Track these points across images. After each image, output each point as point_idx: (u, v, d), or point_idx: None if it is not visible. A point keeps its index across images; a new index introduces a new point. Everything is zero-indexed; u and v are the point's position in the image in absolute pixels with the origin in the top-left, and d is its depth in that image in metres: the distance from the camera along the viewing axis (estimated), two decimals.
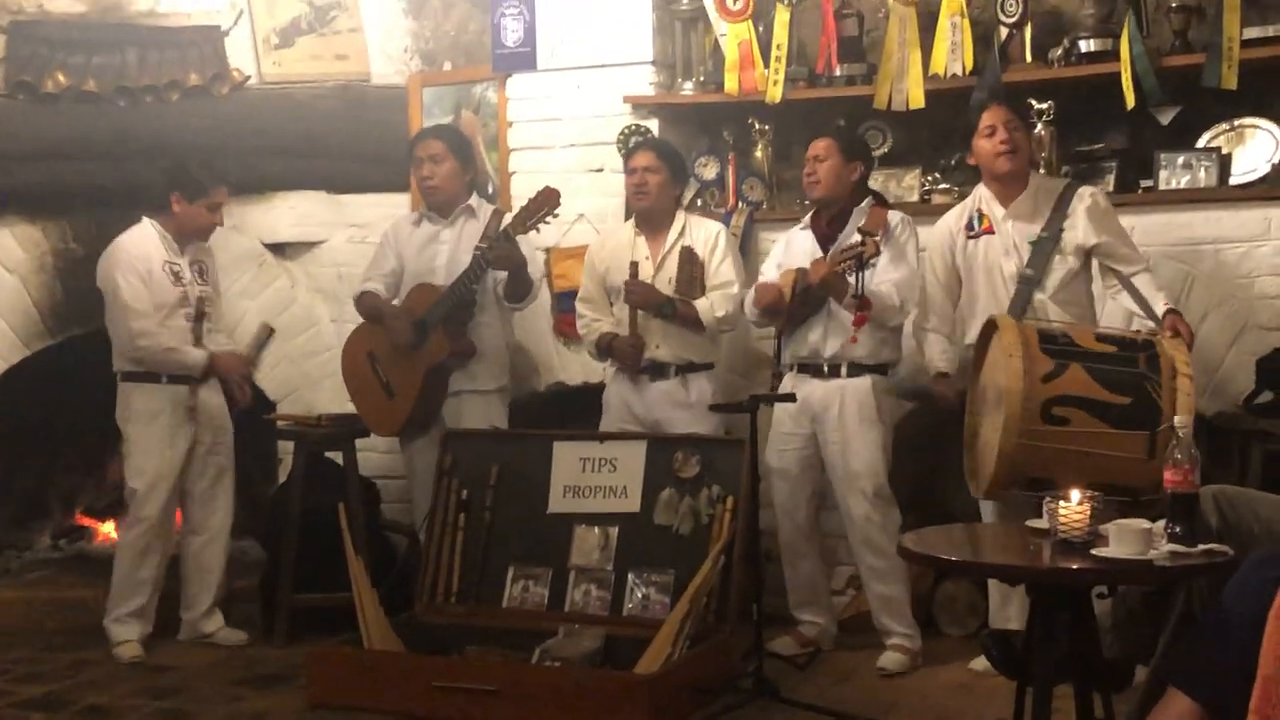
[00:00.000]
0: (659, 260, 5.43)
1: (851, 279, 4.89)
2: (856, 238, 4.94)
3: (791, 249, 5.33)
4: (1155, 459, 4.13)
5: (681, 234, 5.46)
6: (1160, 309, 4.70)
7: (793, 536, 5.31)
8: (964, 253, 5.06)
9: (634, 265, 5.39)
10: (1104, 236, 4.84)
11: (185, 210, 5.55)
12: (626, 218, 5.70)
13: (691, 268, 5.40)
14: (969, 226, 5.05)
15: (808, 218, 5.37)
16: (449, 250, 5.66)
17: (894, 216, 5.16)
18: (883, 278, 5.03)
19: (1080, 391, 4.27)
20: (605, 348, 5.48)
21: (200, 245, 5.70)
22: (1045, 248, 4.87)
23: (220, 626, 5.68)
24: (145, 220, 5.57)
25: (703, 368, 5.46)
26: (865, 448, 5.13)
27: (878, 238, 4.91)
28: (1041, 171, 5.24)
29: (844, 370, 5.15)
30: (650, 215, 5.46)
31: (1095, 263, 4.92)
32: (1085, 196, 4.90)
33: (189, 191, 5.54)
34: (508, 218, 5.44)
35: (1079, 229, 4.86)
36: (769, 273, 5.34)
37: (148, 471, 5.53)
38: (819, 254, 5.17)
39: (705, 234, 5.46)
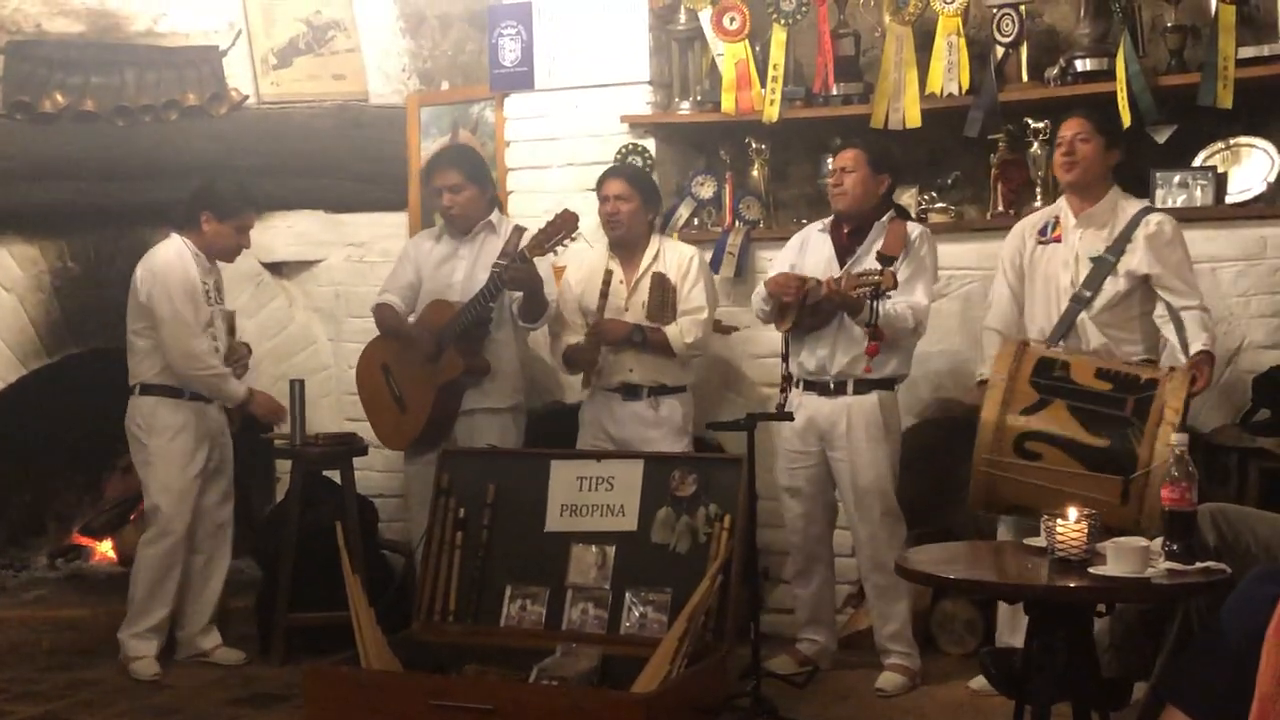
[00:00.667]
0: (632, 284, 5.44)
1: (867, 306, 4.88)
2: (876, 265, 4.93)
3: (808, 252, 5.30)
4: (1129, 505, 4.14)
5: (656, 258, 5.47)
6: (1193, 349, 4.66)
7: (807, 554, 5.30)
8: (1031, 257, 5.04)
9: (608, 273, 5.38)
10: (1158, 267, 4.79)
11: (215, 230, 5.56)
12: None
13: (664, 293, 5.42)
14: (1042, 231, 5.04)
15: (827, 221, 5.35)
16: (466, 266, 5.65)
17: (913, 230, 5.16)
18: (898, 297, 5.01)
19: (1057, 430, 4.30)
20: (569, 358, 5.51)
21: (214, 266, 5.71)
22: (1103, 268, 4.85)
23: (218, 644, 5.67)
24: (176, 237, 5.56)
25: (675, 390, 5.47)
26: (873, 465, 5.13)
27: (895, 269, 4.91)
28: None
29: (850, 387, 5.15)
30: (623, 242, 5.47)
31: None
32: (1150, 223, 4.85)
33: (221, 211, 5.55)
34: (527, 236, 5.44)
35: (1137, 254, 4.82)
36: (781, 269, 5.32)
37: (173, 488, 5.53)
38: (835, 264, 5.18)
39: (678, 258, 5.47)
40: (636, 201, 5.44)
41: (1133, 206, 4.94)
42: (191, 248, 5.55)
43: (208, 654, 5.63)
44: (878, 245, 5.07)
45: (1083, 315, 4.85)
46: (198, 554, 5.67)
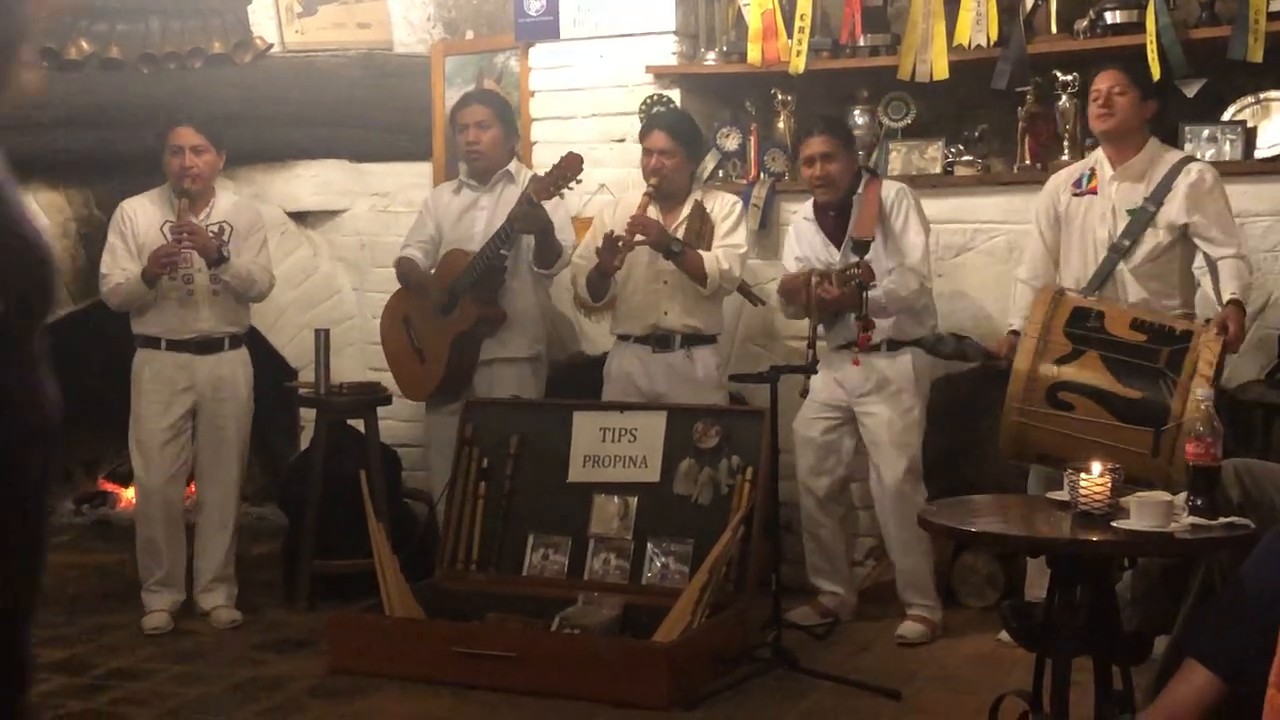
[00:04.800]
0: (672, 229, 5.40)
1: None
2: (853, 258, 4.92)
3: (803, 241, 5.31)
4: (1159, 457, 4.13)
5: (696, 207, 5.44)
6: (1225, 297, 4.63)
7: (812, 506, 5.31)
8: (1066, 209, 5.02)
9: (646, 195, 5.31)
10: (1196, 215, 4.76)
11: (164, 163, 5.54)
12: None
13: (702, 223, 5.37)
14: (1077, 184, 5.02)
15: (808, 206, 5.33)
16: (487, 216, 5.64)
17: (888, 191, 5.15)
18: (890, 265, 5.03)
19: (1090, 380, 4.28)
20: (593, 280, 5.41)
21: (237, 208, 5.67)
22: (1141, 219, 4.82)
23: (217, 605, 5.56)
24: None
25: (708, 339, 5.44)
26: (902, 421, 5.13)
27: (869, 259, 4.90)
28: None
29: (884, 347, 5.14)
30: (664, 192, 5.43)
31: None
32: (1192, 172, 4.82)
33: (158, 144, 5.52)
34: (533, 180, 5.42)
35: (1175, 204, 4.79)
36: (789, 265, 5.33)
37: (142, 440, 5.53)
38: (832, 248, 5.20)
39: (721, 203, 5.44)
40: (680, 156, 5.37)
41: (1173, 157, 4.91)
42: (165, 192, 5.57)
43: (206, 613, 5.56)
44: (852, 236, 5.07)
45: (1121, 266, 4.83)
46: (200, 509, 5.65)
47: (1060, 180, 5.09)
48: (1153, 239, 4.82)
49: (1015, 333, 4.96)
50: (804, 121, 5.58)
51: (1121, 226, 4.85)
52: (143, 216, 5.56)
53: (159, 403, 5.51)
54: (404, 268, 5.74)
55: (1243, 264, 4.72)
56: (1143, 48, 5.18)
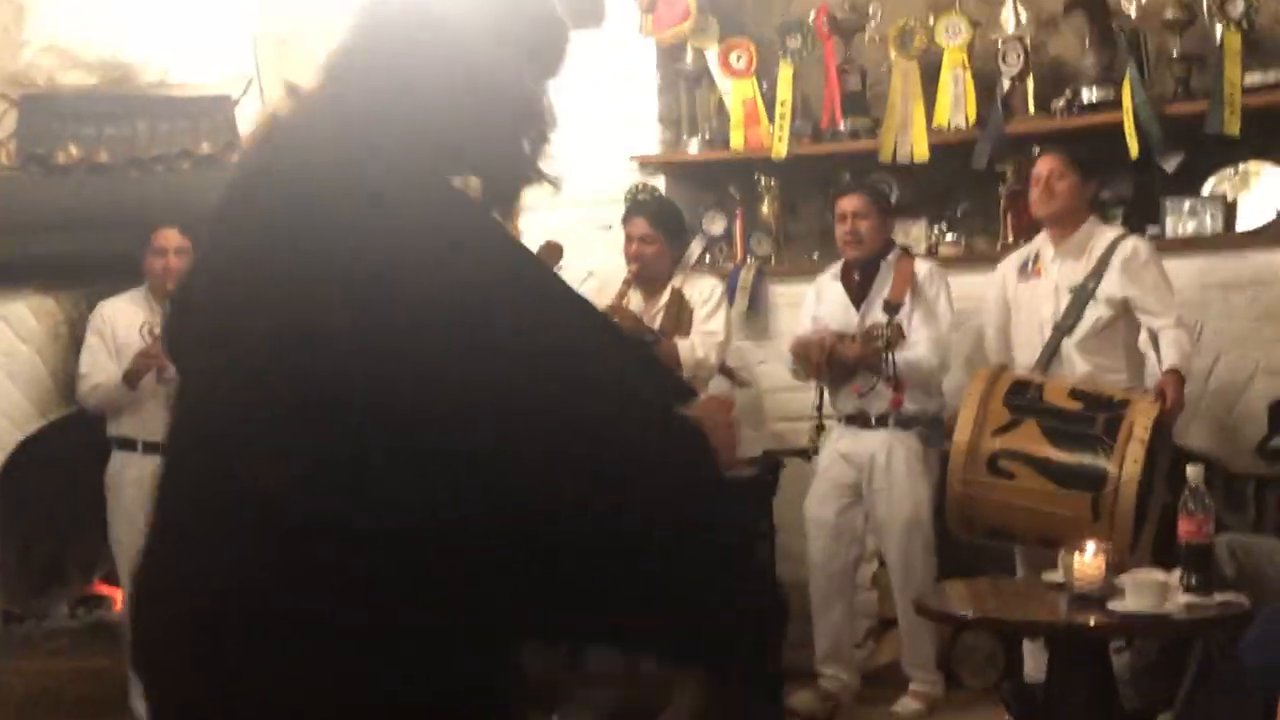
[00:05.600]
0: (651, 315, 5.43)
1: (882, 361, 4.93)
2: (882, 318, 4.97)
3: (824, 301, 5.34)
4: (1100, 522, 4.15)
5: (674, 294, 5.46)
6: (1165, 367, 4.70)
7: (825, 586, 5.28)
8: (1013, 294, 5.10)
9: (624, 290, 5.35)
10: (1134, 289, 4.84)
11: (145, 265, 5.59)
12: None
13: (680, 310, 5.39)
14: (1022, 269, 5.10)
15: (837, 267, 5.38)
16: None
17: (921, 269, 5.19)
18: (916, 336, 5.05)
19: (1028, 448, 4.33)
20: None
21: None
22: (1082, 296, 4.90)
23: None
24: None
25: None
26: (911, 496, 5.14)
27: (900, 317, 4.93)
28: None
29: (891, 421, 5.16)
30: (644, 277, 5.46)
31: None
32: (1127, 247, 4.90)
33: (140, 245, 5.58)
34: None
35: (1113, 278, 4.86)
36: (805, 323, 5.34)
37: (122, 542, 5.54)
38: (852, 310, 5.22)
39: (700, 288, 5.45)
40: (660, 243, 5.41)
41: (1110, 233, 5.01)
42: (143, 294, 5.62)
43: None
44: (887, 289, 5.09)
45: (1066, 342, 4.90)
46: None
47: (1007, 267, 5.19)
48: (1094, 313, 4.88)
49: None
50: (842, 180, 5.62)
51: (1064, 305, 4.92)
52: (122, 318, 5.58)
53: (136, 508, 5.49)
54: None
55: (1182, 333, 4.80)
56: (1120, 124, 5.24)
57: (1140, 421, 4.26)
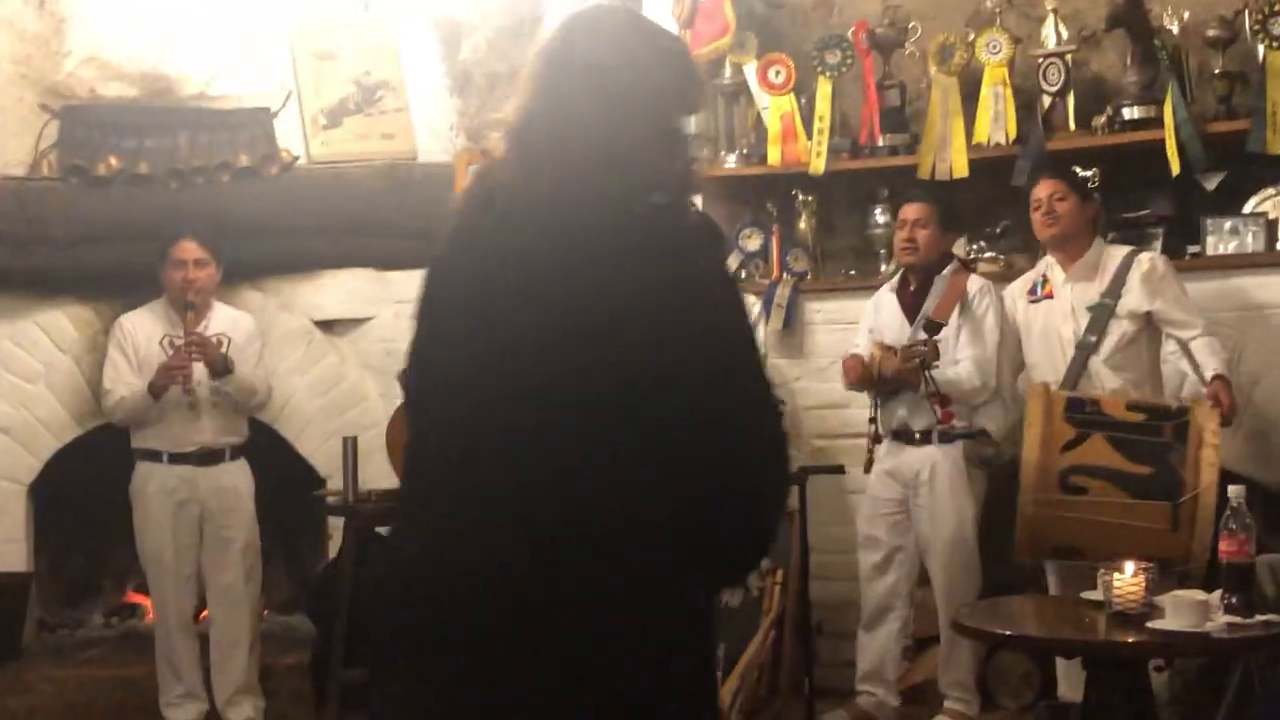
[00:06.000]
0: None
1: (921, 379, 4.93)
2: (921, 335, 4.96)
3: (880, 313, 5.34)
4: (1179, 531, 4.11)
5: None
6: (1209, 374, 4.69)
7: (874, 605, 5.24)
8: (1025, 317, 5.09)
9: None
10: (1158, 302, 4.86)
11: (164, 277, 5.61)
12: None
13: None
14: (1031, 291, 5.12)
15: (896, 279, 5.37)
16: None
17: (973, 285, 5.17)
18: (960, 355, 5.04)
19: (1099, 461, 4.28)
20: None
21: (235, 320, 5.74)
22: (1102, 314, 4.90)
23: (245, 718, 5.57)
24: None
25: None
26: (955, 513, 5.11)
27: (939, 339, 4.93)
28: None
29: (935, 437, 5.14)
30: None
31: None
32: (1144, 262, 4.93)
33: (159, 258, 5.60)
34: None
35: (1134, 294, 4.88)
36: (861, 337, 5.35)
37: (150, 555, 5.57)
38: (904, 323, 5.20)
39: None
40: None
41: (1120, 251, 5.02)
42: (161, 306, 5.65)
43: None
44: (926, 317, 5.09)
45: (1093, 361, 4.89)
46: (213, 621, 5.66)
47: (1014, 291, 5.20)
48: (1118, 330, 4.89)
49: (984, 431, 5.13)
50: (908, 188, 5.58)
51: (1084, 324, 4.91)
52: (142, 331, 5.61)
53: (164, 517, 5.53)
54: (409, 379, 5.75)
55: (1214, 340, 4.83)
56: (1161, 142, 5.21)
57: (1209, 427, 4.25)
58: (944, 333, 5.02)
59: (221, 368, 5.48)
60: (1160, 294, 4.87)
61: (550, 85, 2.12)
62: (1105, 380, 4.85)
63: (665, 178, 2.13)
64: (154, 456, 5.56)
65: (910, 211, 5.24)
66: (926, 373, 4.89)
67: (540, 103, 2.13)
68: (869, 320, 5.36)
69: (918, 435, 5.14)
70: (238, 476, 5.67)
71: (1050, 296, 5.05)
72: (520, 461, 2.04)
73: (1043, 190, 5.01)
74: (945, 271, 5.21)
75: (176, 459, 5.54)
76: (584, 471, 2.01)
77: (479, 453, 2.08)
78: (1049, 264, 5.11)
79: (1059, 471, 4.27)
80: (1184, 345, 4.85)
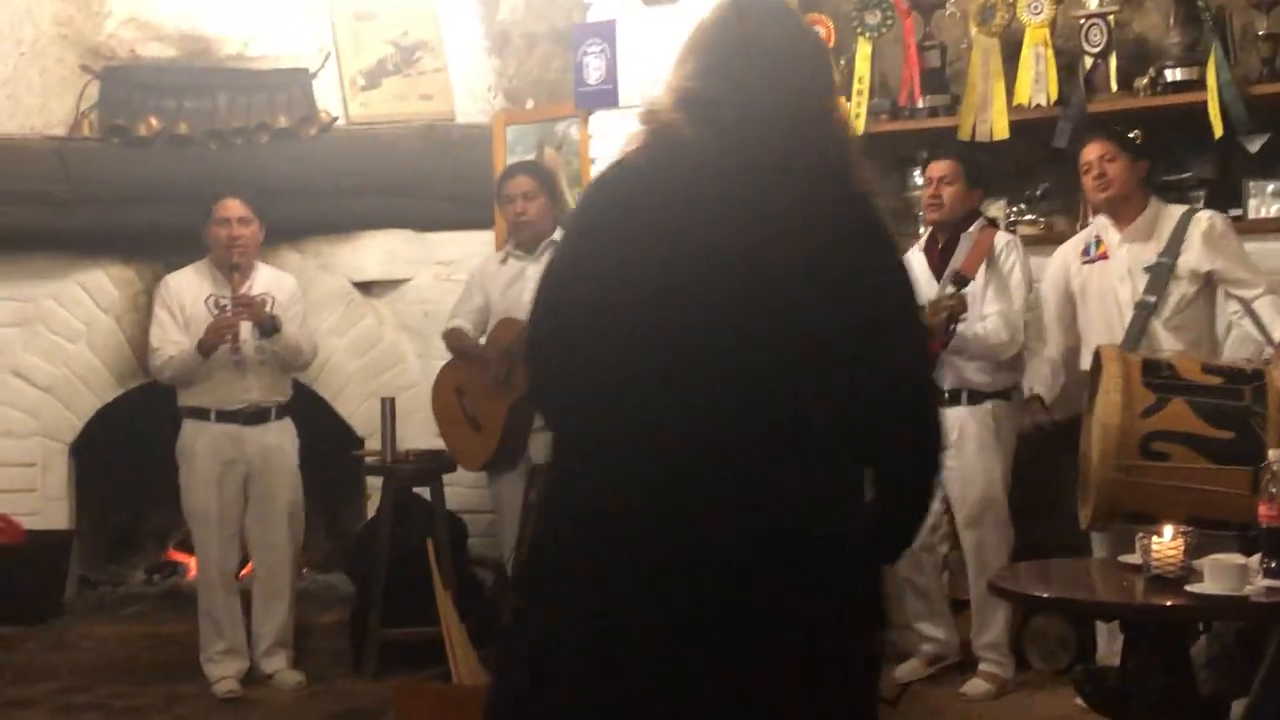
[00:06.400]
0: None
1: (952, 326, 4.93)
2: (950, 289, 4.95)
3: (911, 273, 5.30)
4: (1260, 494, 4.08)
5: None
6: (1276, 335, 4.64)
7: (907, 560, 5.24)
8: (1079, 278, 5.05)
9: None
10: (1219, 261, 4.80)
11: (208, 236, 5.64)
12: None
13: None
14: (1085, 252, 5.06)
15: (924, 238, 5.36)
16: (535, 286, 5.66)
17: (999, 241, 5.16)
18: (987, 309, 5.03)
19: (1181, 427, 4.22)
20: None
21: (278, 280, 5.79)
22: (1161, 274, 4.85)
23: (280, 668, 5.64)
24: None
25: None
26: (984, 473, 5.11)
27: (965, 292, 4.92)
28: None
29: (964, 398, 5.14)
30: None
31: (1221, 289, 4.89)
32: (1202, 221, 4.87)
33: (203, 217, 5.63)
34: None
35: (1193, 253, 4.82)
36: None
37: (196, 512, 5.62)
38: (932, 280, 5.18)
39: None
40: None
41: (1176, 210, 4.95)
42: (206, 266, 5.69)
43: (269, 676, 5.63)
44: (955, 270, 5.07)
45: (1154, 322, 4.84)
46: (256, 576, 5.73)
47: (1067, 252, 5.15)
48: (1178, 290, 4.84)
49: (1038, 399, 5.08)
50: (937, 146, 5.55)
51: (1142, 284, 4.87)
52: (188, 290, 5.65)
53: (211, 474, 5.58)
54: (455, 338, 5.79)
55: (1278, 298, 4.76)
56: (1204, 104, 5.16)
57: None
58: (971, 289, 5.01)
59: (269, 327, 5.52)
60: (1221, 252, 4.81)
61: (726, 61, 2.36)
62: (1164, 342, 4.80)
63: (833, 148, 2.39)
64: (201, 415, 5.60)
65: (937, 169, 5.23)
66: (952, 327, 4.88)
67: (720, 76, 2.35)
68: None
69: (946, 395, 5.13)
70: (283, 435, 5.72)
71: (1105, 257, 4.99)
72: (716, 399, 2.21)
73: (1091, 152, 4.95)
74: (972, 229, 5.20)
75: (224, 417, 5.59)
76: (779, 407, 2.21)
77: (678, 389, 2.22)
78: (1102, 225, 5.04)
79: (1140, 437, 4.23)
80: (1247, 305, 4.78)
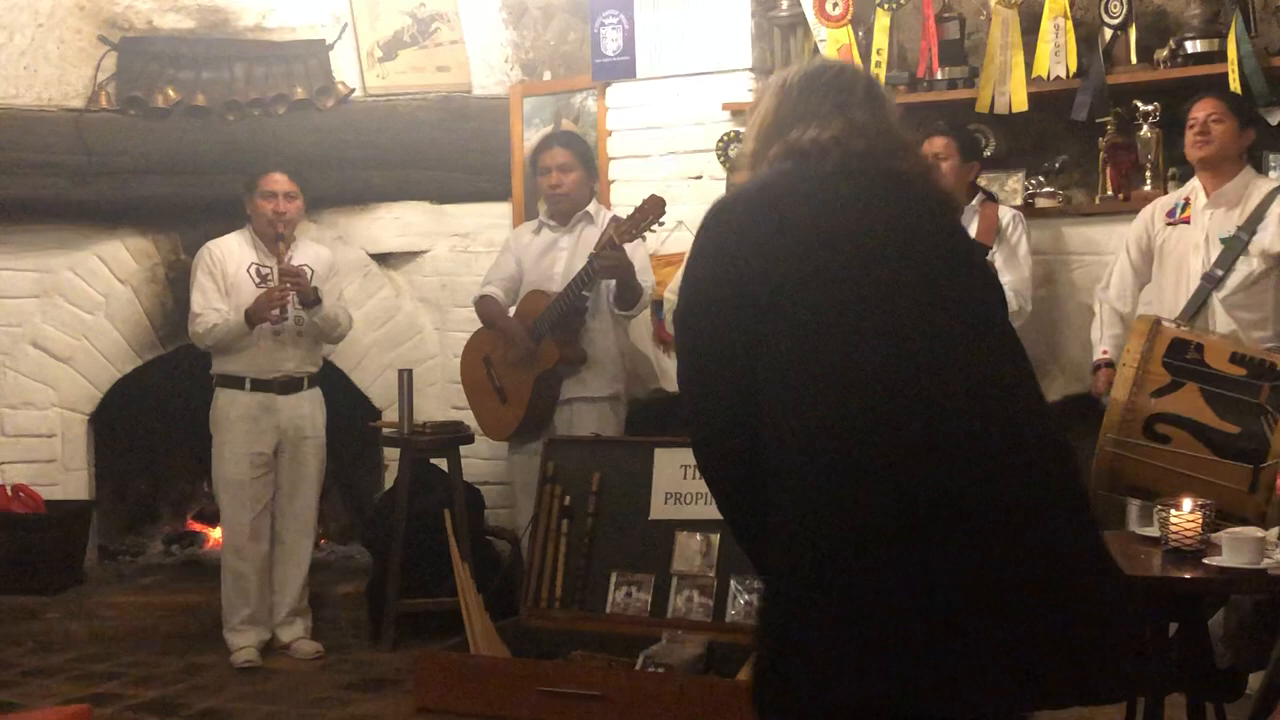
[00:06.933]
0: None
1: None
2: None
3: None
4: (1256, 493, 4.06)
5: None
6: None
7: None
8: (1160, 239, 5.03)
9: None
10: None
11: (251, 208, 5.67)
12: None
13: None
14: (1170, 213, 5.03)
15: None
16: (567, 257, 5.68)
17: (1004, 215, 5.16)
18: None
19: (1188, 413, 4.21)
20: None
21: (316, 252, 5.81)
22: (1235, 248, 4.81)
23: (297, 637, 5.69)
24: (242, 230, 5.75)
25: None
26: None
27: (990, 258, 4.91)
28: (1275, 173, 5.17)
29: None
30: None
31: None
32: None
33: (246, 189, 5.66)
34: (616, 224, 5.45)
35: (1269, 231, 4.77)
36: None
37: (229, 480, 5.64)
38: None
39: None
40: None
41: (1267, 185, 4.89)
42: (248, 235, 5.70)
43: (286, 646, 5.67)
44: (972, 233, 5.05)
45: (1214, 296, 4.81)
46: (279, 544, 5.74)
47: (1155, 209, 5.10)
48: (1245, 268, 4.79)
49: (1108, 363, 4.98)
50: (927, 120, 5.54)
51: (1215, 256, 4.83)
52: (231, 258, 5.67)
53: (245, 442, 5.61)
54: (486, 307, 5.78)
55: None
56: (1224, 76, 5.14)
57: None
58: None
59: (312, 299, 5.55)
60: None
61: (847, 109, 2.54)
62: (1220, 318, 4.77)
63: (932, 172, 2.76)
64: (236, 383, 5.63)
65: (930, 146, 5.20)
66: None
67: (843, 120, 2.52)
68: None
69: None
70: (313, 405, 5.77)
71: (1187, 221, 4.95)
72: (954, 391, 2.27)
73: (1201, 110, 4.89)
74: (974, 202, 5.21)
75: (258, 386, 5.62)
76: (1006, 386, 2.34)
77: (914, 389, 2.26)
78: (1194, 187, 4.99)
79: (1145, 416, 4.23)
80: None
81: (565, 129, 6.25)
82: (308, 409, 5.73)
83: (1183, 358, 4.30)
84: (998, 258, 5.08)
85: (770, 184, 2.50)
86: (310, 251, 5.80)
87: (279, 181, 5.63)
